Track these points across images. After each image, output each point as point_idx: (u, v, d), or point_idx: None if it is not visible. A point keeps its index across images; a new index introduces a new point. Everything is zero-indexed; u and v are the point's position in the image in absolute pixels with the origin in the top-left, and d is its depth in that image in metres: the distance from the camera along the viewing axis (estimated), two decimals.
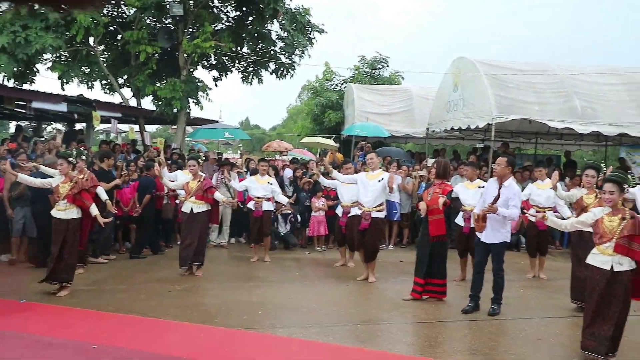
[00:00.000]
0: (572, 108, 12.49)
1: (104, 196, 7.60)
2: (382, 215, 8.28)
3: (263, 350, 5.28)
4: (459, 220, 8.69)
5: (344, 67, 27.23)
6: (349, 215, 8.76)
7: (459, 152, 18.63)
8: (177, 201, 9.62)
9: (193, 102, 15.12)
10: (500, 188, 6.63)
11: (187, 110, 15.20)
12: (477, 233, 6.82)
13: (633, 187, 6.45)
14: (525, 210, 8.28)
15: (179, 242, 9.75)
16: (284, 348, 5.38)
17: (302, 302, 6.98)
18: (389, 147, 17.45)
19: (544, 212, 8.52)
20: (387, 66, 22.36)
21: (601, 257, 5.04)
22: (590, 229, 5.30)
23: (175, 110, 14.52)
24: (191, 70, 15.07)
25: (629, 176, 5.22)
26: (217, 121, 17.84)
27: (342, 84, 22.13)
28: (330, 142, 15.40)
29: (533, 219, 7.48)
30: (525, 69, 13.41)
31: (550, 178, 7.96)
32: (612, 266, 4.96)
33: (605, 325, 4.99)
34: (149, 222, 9.86)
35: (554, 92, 12.82)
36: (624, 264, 4.94)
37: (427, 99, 17.13)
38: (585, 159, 24.51)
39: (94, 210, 7.07)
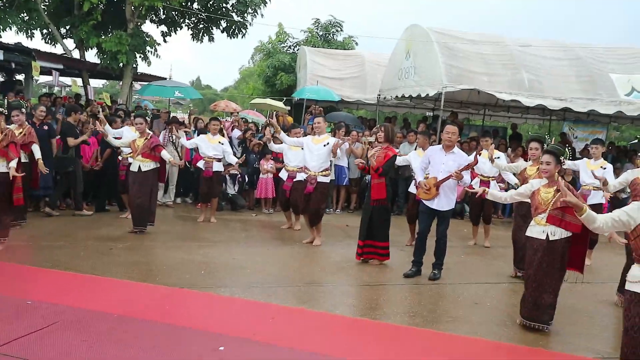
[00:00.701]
0: (520, 81, 12.70)
1: (37, 154, 7.39)
2: (327, 179, 8.27)
3: (203, 309, 5.24)
4: (412, 188, 8.77)
5: (297, 29, 26.81)
6: (294, 180, 8.74)
7: (410, 120, 18.80)
8: (120, 157, 9.30)
9: (140, 57, 14.60)
10: (447, 155, 6.74)
11: (134, 66, 14.69)
12: (423, 201, 6.88)
13: (569, 159, 6.66)
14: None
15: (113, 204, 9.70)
16: (224, 307, 5.35)
17: (246, 263, 6.95)
18: (340, 112, 17.41)
19: (488, 180, 8.77)
20: (342, 30, 22.19)
21: (537, 228, 5.19)
22: (529, 200, 5.44)
23: (120, 64, 13.99)
24: (138, 23, 14.50)
25: (567, 149, 5.37)
26: (165, 78, 17.32)
27: (295, 47, 21.83)
28: (280, 104, 15.23)
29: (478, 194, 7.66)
30: (477, 39, 13.52)
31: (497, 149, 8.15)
32: (547, 236, 5.11)
33: (545, 293, 5.15)
34: (110, 176, 9.71)
35: (503, 64, 13.00)
36: (557, 234, 5.08)
37: (380, 65, 17.12)
38: (530, 132, 25.19)
39: (13, 163, 6.73)
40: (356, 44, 22.47)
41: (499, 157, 8.83)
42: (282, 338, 4.61)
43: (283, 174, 9.36)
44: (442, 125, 13.60)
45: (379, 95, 16.26)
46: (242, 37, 15.56)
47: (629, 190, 6.83)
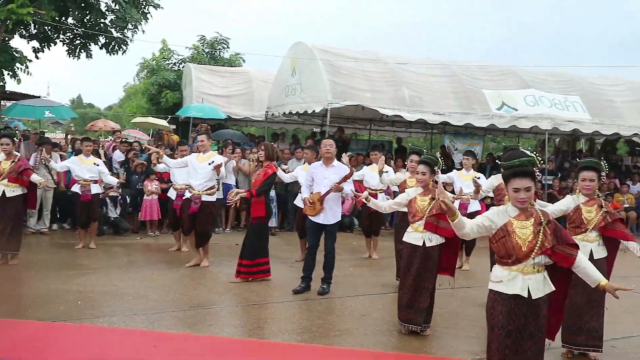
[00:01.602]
0: (401, 97, 13.23)
1: (36, 181, 7.77)
2: (213, 198, 8.08)
3: (79, 343, 4.88)
4: (298, 202, 8.79)
5: (182, 46, 26.24)
6: (183, 198, 8.48)
7: (299, 136, 18.97)
8: None
9: (8, 74, 13.57)
10: (327, 169, 6.84)
11: (1, 83, 13.63)
12: (310, 217, 6.91)
13: (449, 169, 7.00)
14: (358, 192, 8.63)
15: None
16: (103, 338, 5.01)
17: (127, 290, 6.60)
18: (227, 130, 17.22)
19: (376, 193, 8.99)
20: (228, 47, 22.01)
21: (414, 235, 5.44)
22: (406, 209, 5.65)
23: None
24: (6, 38, 13.48)
25: (440, 159, 5.66)
26: (39, 97, 16.23)
27: (180, 64, 21.35)
28: (164, 122, 14.78)
29: (360, 198, 7.84)
30: (359, 57, 13.94)
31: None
32: (424, 242, 5.35)
33: (422, 297, 5.37)
34: None
35: (386, 80, 13.49)
36: (433, 240, 5.35)
37: (267, 82, 17.16)
38: (411, 145, 26.16)
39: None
40: (243, 61, 22.41)
41: (387, 172, 9.10)
42: None
43: (172, 193, 9.07)
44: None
45: (267, 112, 16.28)
46: (122, 53, 14.88)
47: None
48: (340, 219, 7.07)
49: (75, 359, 4.43)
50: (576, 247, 3.53)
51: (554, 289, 3.54)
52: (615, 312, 6.39)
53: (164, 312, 5.81)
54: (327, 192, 6.71)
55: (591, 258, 4.86)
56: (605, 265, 4.96)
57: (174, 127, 15.51)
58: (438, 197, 3.65)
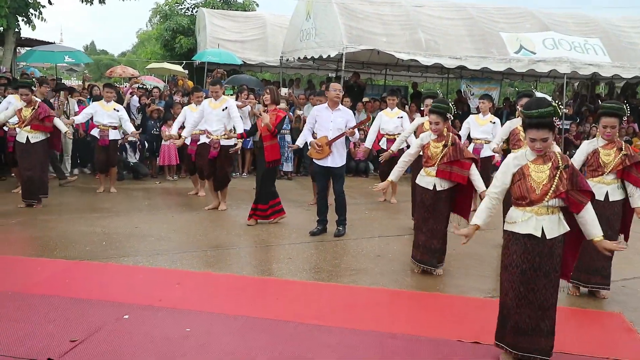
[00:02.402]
0: (417, 41, 13.04)
1: (61, 127, 8.14)
2: (231, 142, 8.19)
3: (106, 280, 5.10)
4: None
5: None
6: (198, 143, 8.60)
7: (314, 82, 18.87)
8: (6, 128, 8.66)
9: (23, 20, 13.56)
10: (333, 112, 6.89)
11: (17, 30, 13.64)
12: (316, 161, 6.99)
13: (458, 114, 7.03)
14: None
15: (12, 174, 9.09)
16: (128, 276, 5.23)
17: (149, 231, 6.81)
18: (243, 75, 17.17)
19: (394, 138, 8.98)
20: None
21: (427, 179, 5.53)
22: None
23: (0, 28, 12.94)
24: None
25: (452, 105, 5.68)
26: (54, 43, 16.21)
27: (193, 8, 21.10)
28: (178, 68, 14.77)
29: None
30: (375, 0, 13.67)
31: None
32: (434, 186, 5.44)
33: (435, 239, 5.51)
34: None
35: (401, 24, 13.28)
36: (444, 184, 5.46)
37: (281, 27, 16.97)
38: (431, 89, 25.98)
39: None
40: (257, 5, 22.07)
41: (401, 117, 9.12)
42: (188, 302, 4.60)
43: (187, 138, 9.17)
44: (345, 85, 13.87)
45: (282, 57, 16.15)
46: None
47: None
48: (345, 161, 7.13)
49: (103, 295, 4.63)
50: (589, 194, 3.55)
51: (568, 229, 3.61)
52: (627, 254, 6.48)
53: (186, 252, 6.01)
54: (340, 136, 6.76)
55: (606, 200, 4.92)
56: (620, 208, 4.99)
57: (187, 72, 15.48)
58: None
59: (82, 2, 14.86)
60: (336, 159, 6.91)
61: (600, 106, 5.07)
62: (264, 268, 5.76)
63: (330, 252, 6.33)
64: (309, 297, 4.89)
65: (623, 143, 5.01)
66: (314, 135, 7.04)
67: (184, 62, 16.03)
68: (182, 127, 9.96)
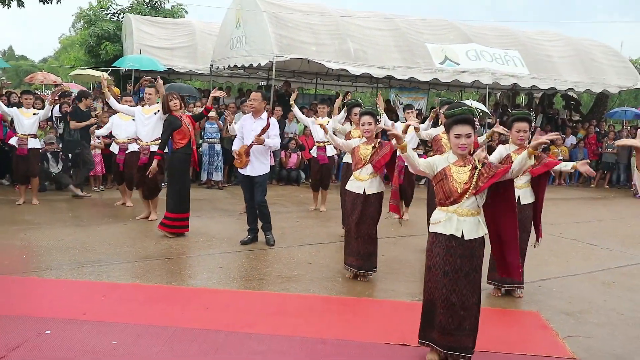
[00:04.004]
0: (346, 50, 13.29)
1: None
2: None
3: (26, 294, 4.90)
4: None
5: None
6: (127, 152, 8.42)
7: (244, 90, 18.81)
8: None
9: None
10: (255, 122, 6.89)
11: None
12: (239, 170, 6.99)
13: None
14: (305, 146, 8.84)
15: None
16: (50, 290, 5.04)
17: (74, 244, 6.58)
18: (180, 84, 16.94)
19: (324, 146, 9.10)
20: None
21: (357, 183, 5.67)
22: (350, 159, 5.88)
23: None
24: None
25: (379, 110, 5.91)
26: None
27: (119, 14, 20.57)
28: (105, 75, 14.35)
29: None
30: (305, 9, 13.84)
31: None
32: (364, 190, 5.60)
33: (367, 244, 5.65)
34: None
35: (331, 34, 13.49)
36: (373, 188, 5.61)
37: (211, 34, 16.85)
38: (360, 100, 26.37)
39: None
40: (186, 12, 21.78)
41: (328, 123, 9.25)
42: (115, 314, 4.48)
43: (114, 148, 8.98)
44: (276, 94, 13.91)
45: (212, 65, 16.03)
46: (57, 2, 14.25)
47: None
48: (268, 171, 7.09)
49: (23, 310, 4.44)
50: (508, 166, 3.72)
51: (487, 232, 3.80)
52: (544, 255, 6.88)
53: (112, 264, 5.85)
54: (250, 145, 6.78)
55: (518, 203, 5.20)
56: (530, 210, 5.33)
57: (112, 78, 15.04)
58: (387, 131, 3.83)
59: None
60: (255, 167, 6.87)
61: (511, 113, 5.44)
62: (193, 278, 5.68)
63: (261, 260, 6.34)
64: (240, 305, 4.87)
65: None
66: None
67: (110, 69, 15.58)
68: (108, 136, 9.75)
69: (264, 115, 6.97)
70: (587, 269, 6.62)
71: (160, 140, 7.67)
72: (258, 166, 6.89)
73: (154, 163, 7.20)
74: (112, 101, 8.13)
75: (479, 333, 3.82)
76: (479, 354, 3.88)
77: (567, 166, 5.16)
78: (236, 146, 7.03)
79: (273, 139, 6.88)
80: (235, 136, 9.06)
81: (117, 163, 8.80)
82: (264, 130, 6.71)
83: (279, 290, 5.32)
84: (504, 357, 4.08)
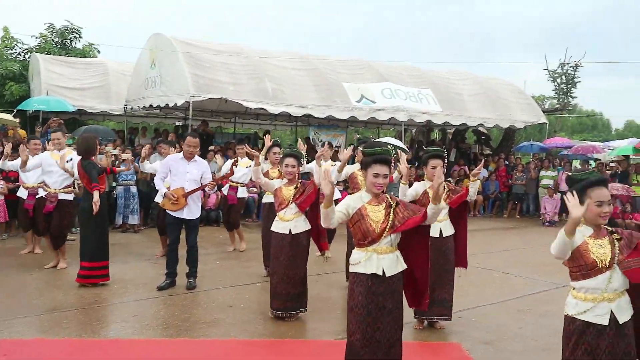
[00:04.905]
0: (264, 90, 13.33)
1: None
2: (70, 197, 7.66)
3: None
4: (159, 198, 8.54)
5: (27, 35, 24.04)
6: (37, 197, 7.95)
7: (161, 130, 18.42)
8: None
9: None
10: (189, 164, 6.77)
11: None
12: (170, 212, 6.76)
13: (308, 162, 7.32)
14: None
15: None
16: None
17: None
18: (96, 126, 16.35)
19: (237, 186, 8.99)
20: (80, 37, 20.67)
21: (282, 224, 5.62)
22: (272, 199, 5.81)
23: None
24: None
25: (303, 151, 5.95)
26: None
27: (26, 53, 19.71)
28: (8, 116, 13.59)
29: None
30: (221, 49, 13.84)
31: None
32: (290, 230, 5.52)
33: (296, 285, 5.57)
34: None
35: (248, 73, 13.51)
36: (299, 227, 5.58)
37: (125, 74, 16.43)
38: (279, 139, 26.55)
39: None
40: (98, 52, 21.18)
41: (249, 167, 9.19)
42: None
43: (22, 192, 8.47)
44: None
45: (126, 105, 15.59)
46: None
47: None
48: (200, 213, 7.02)
49: None
50: (424, 212, 3.74)
51: (405, 267, 3.81)
52: (463, 286, 7.00)
53: (15, 319, 5.42)
54: (200, 188, 6.69)
55: (441, 236, 5.34)
56: (453, 242, 5.49)
57: (17, 120, 14.27)
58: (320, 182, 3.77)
59: None
60: (192, 210, 6.75)
61: (425, 150, 5.58)
62: (106, 329, 5.35)
63: (180, 305, 6.08)
64: (155, 355, 4.63)
65: (445, 183, 5.52)
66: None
67: (15, 110, 14.80)
68: (12, 181, 9.21)
69: (197, 157, 6.86)
70: (503, 297, 6.83)
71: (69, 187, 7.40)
72: (194, 209, 6.76)
73: (96, 195, 6.68)
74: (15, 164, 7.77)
75: None
76: None
77: (475, 184, 5.36)
78: (161, 187, 6.78)
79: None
80: (150, 176, 8.86)
81: (26, 209, 8.25)
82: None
83: (199, 337, 5.11)
84: None
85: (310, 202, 5.58)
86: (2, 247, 9.18)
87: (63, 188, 7.51)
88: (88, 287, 6.63)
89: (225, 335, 5.17)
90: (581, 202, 3.11)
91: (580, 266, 3.16)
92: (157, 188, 7.05)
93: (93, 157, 6.93)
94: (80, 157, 6.93)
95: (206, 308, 6.03)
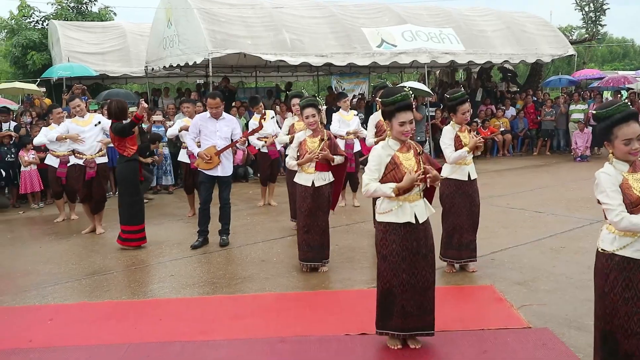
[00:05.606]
0: (282, 41, 13.14)
1: None
2: (105, 159, 7.82)
3: None
4: (183, 157, 8.62)
5: (43, 2, 24.01)
6: (69, 165, 8.09)
7: (183, 89, 18.42)
8: None
9: None
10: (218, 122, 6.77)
11: None
12: (204, 170, 6.80)
13: (333, 110, 7.22)
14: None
15: None
16: None
17: (14, 267, 6.28)
18: (117, 90, 16.41)
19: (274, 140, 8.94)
20: (96, 0, 20.57)
21: (305, 176, 5.61)
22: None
23: None
24: None
25: (320, 98, 5.85)
26: None
27: (44, 21, 19.71)
28: (32, 86, 13.71)
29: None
30: (236, 3, 13.59)
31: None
32: (313, 182, 5.53)
33: (317, 235, 5.60)
34: None
35: (265, 25, 13.29)
36: (323, 179, 5.58)
37: (142, 35, 16.37)
38: (304, 89, 26.40)
39: None
40: (114, 14, 21.09)
41: (273, 117, 9.17)
42: (63, 338, 4.30)
43: (51, 160, 8.56)
44: (215, 90, 13.67)
45: (146, 67, 15.58)
46: None
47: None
48: (232, 169, 7.08)
49: None
50: (439, 170, 3.85)
51: (433, 211, 3.83)
52: (493, 228, 7.01)
53: (58, 284, 5.61)
54: (231, 144, 6.70)
55: (469, 179, 5.31)
56: (477, 184, 5.47)
57: (44, 89, 14.40)
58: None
59: None
60: (225, 167, 6.80)
61: (451, 97, 5.39)
62: (144, 289, 5.50)
63: (214, 263, 6.20)
64: (194, 313, 4.74)
65: (467, 127, 5.57)
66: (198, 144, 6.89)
67: (39, 79, 14.91)
68: (44, 150, 9.32)
69: (225, 114, 6.87)
70: (536, 236, 6.77)
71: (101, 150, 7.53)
72: (227, 165, 6.83)
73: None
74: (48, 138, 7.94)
75: (438, 312, 3.86)
76: (438, 334, 3.90)
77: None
78: (193, 147, 6.84)
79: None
80: (177, 138, 8.89)
81: (58, 177, 8.38)
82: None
83: (234, 293, 5.22)
84: (463, 335, 4.11)
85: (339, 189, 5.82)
86: (39, 215, 9.43)
87: (97, 152, 7.65)
88: (126, 250, 6.79)
89: (261, 289, 5.27)
90: (608, 140, 3.03)
91: (624, 204, 3.02)
92: (189, 149, 7.09)
93: (124, 120, 6.95)
94: (111, 121, 6.96)
95: (240, 264, 6.14)
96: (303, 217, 5.61)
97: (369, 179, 3.70)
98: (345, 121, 8.41)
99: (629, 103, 3.11)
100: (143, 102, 7.17)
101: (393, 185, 3.60)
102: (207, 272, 5.87)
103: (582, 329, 4.11)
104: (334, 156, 5.56)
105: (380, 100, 3.86)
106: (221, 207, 6.91)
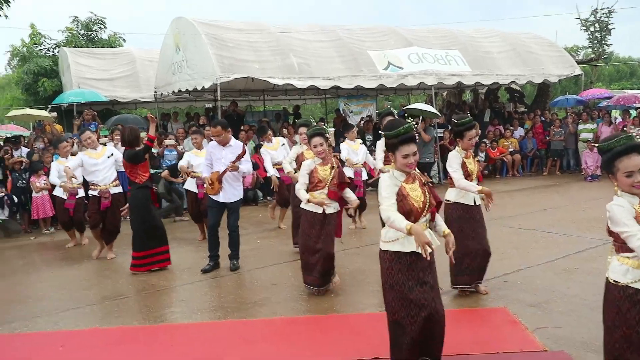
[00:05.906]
0: (290, 65, 13.27)
1: None
2: (120, 189, 7.87)
3: None
4: (191, 185, 8.65)
5: (54, 30, 24.41)
6: (77, 197, 8.15)
7: (192, 114, 18.56)
8: None
9: None
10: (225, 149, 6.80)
11: None
12: (211, 196, 6.84)
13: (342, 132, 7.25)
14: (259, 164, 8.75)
15: None
16: (2, 347, 4.77)
17: (26, 293, 6.30)
18: (127, 115, 16.55)
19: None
20: (105, 27, 20.88)
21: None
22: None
23: None
24: None
25: (325, 125, 5.87)
26: None
27: (54, 48, 20.02)
28: (43, 112, 13.86)
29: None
30: (243, 28, 13.78)
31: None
32: (323, 209, 5.52)
33: (326, 261, 5.61)
34: None
35: (272, 50, 13.44)
36: (332, 207, 5.61)
37: (152, 61, 16.58)
38: (312, 112, 26.50)
39: None
40: (124, 40, 21.41)
41: (283, 144, 9.21)
42: None
43: (59, 192, 8.62)
44: (223, 114, 13.79)
45: (156, 92, 15.75)
46: None
47: None
48: (242, 196, 7.07)
49: None
50: (440, 203, 3.84)
51: (439, 243, 3.70)
52: (505, 249, 6.96)
53: (68, 310, 5.61)
54: (224, 172, 6.69)
55: (475, 204, 5.29)
56: (482, 211, 5.42)
57: (55, 114, 14.55)
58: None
59: None
60: (228, 193, 6.79)
61: (459, 123, 5.37)
62: (155, 314, 5.48)
63: (225, 287, 6.18)
64: (206, 338, 4.72)
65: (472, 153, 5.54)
66: None
67: (50, 106, 15.08)
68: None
69: (233, 141, 6.89)
70: (548, 257, 6.71)
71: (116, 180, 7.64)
72: (231, 192, 6.81)
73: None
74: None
75: (453, 335, 3.80)
76: (452, 358, 3.85)
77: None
78: (206, 173, 6.90)
79: (245, 165, 6.83)
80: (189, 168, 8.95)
81: (66, 208, 8.46)
82: (239, 157, 6.66)
83: (245, 317, 5.20)
84: (478, 358, 4.06)
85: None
86: (50, 241, 9.48)
87: (112, 182, 7.71)
88: (137, 275, 6.79)
89: (272, 314, 5.24)
90: (611, 172, 3.03)
91: None
92: (203, 175, 7.17)
93: (137, 147, 7.01)
94: (124, 148, 7.04)
95: (251, 288, 6.12)
96: (312, 242, 5.60)
97: (387, 205, 3.61)
98: (353, 150, 8.53)
99: (636, 135, 3.09)
100: (150, 114, 7.24)
101: (408, 225, 3.50)
102: (218, 297, 5.85)
103: (599, 352, 4.02)
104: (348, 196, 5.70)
105: (383, 133, 3.82)
106: (229, 234, 6.90)
